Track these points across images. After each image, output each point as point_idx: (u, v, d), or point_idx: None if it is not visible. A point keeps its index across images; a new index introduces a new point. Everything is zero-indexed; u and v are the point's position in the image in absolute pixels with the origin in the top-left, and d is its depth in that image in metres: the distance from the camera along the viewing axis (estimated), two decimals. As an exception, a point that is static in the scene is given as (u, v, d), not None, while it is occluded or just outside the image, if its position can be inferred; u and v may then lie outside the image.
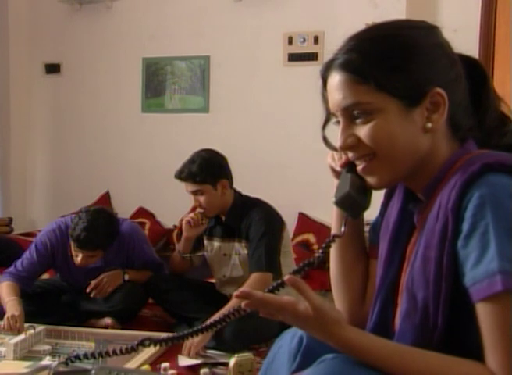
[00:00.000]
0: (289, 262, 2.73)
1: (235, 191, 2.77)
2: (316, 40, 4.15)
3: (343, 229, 1.14)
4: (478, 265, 0.90)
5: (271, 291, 1.05)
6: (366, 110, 1.00)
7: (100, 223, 2.71)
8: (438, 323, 0.96)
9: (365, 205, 1.12)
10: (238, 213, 2.69)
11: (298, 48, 4.22)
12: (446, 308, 0.95)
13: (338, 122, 1.06)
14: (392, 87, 0.99)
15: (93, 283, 2.79)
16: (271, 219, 2.67)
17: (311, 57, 4.17)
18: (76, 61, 4.83)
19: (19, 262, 2.81)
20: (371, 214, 1.25)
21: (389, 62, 1.00)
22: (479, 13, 3.70)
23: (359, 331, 0.99)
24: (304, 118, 4.19)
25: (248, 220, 2.64)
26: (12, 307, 2.58)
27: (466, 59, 1.08)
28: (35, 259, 2.82)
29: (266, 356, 1.20)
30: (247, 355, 2.12)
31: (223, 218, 2.72)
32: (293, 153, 4.25)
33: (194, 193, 2.66)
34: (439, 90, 1.00)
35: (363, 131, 1.02)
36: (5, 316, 2.55)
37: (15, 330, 2.48)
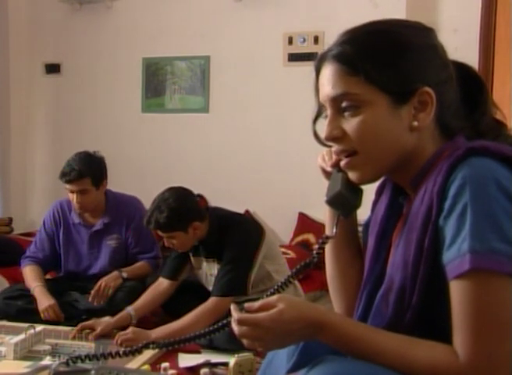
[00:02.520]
0: (278, 266, 2.73)
1: (211, 211, 2.71)
2: (316, 40, 4.15)
3: (334, 230, 1.15)
4: (453, 244, 0.92)
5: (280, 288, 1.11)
6: (354, 102, 1.01)
7: (82, 155, 2.96)
8: (412, 303, 0.98)
9: (357, 203, 1.13)
10: (216, 235, 2.66)
11: (298, 48, 4.22)
12: (422, 288, 0.97)
13: (327, 116, 1.07)
14: (382, 81, 1.00)
15: (93, 291, 2.81)
16: (244, 240, 2.63)
17: (311, 57, 4.16)
18: (76, 61, 4.83)
19: (32, 245, 3.04)
20: (364, 214, 1.26)
21: (381, 56, 1.01)
22: (479, 13, 3.70)
23: (333, 313, 1.04)
24: (304, 118, 4.19)
25: (225, 241, 2.62)
26: (44, 297, 2.76)
27: (462, 66, 1.10)
28: (44, 236, 3.05)
29: (265, 356, 1.21)
30: (247, 355, 2.12)
31: (204, 239, 2.69)
32: (293, 153, 4.25)
33: (164, 237, 2.64)
34: (428, 89, 1.01)
35: (350, 125, 1.03)
36: (42, 308, 2.71)
37: (56, 319, 2.69)
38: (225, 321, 1.10)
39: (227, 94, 4.44)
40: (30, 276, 2.80)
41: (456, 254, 0.91)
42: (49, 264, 3.00)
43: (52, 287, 2.97)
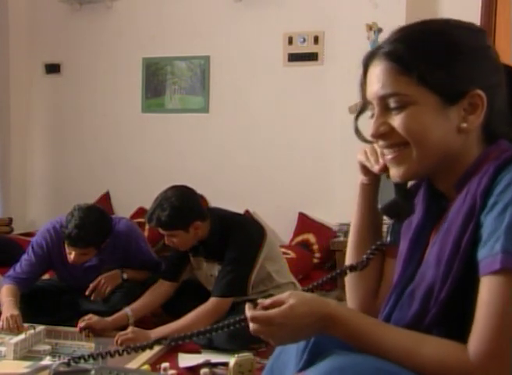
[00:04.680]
0: (278, 267, 2.73)
1: (212, 212, 2.71)
2: (316, 40, 4.15)
3: (389, 238, 1.17)
4: (487, 242, 0.92)
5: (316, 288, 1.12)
6: (403, 102, 1.01)
7: (91, 221, 2.71)
8: (439, 299, 0.98)
9: (411, 210, 1.12)
10: (217, 236, 2.65)
11: (298, 48, 4.22)
12: (452, 285, 0.97)
13: (372, 115, 1.07)
14: (434, 82, 0.99)
15: (91, 285, 2.79)
16: (245, 241, 2.63)
17: (311, 57, 4.17)
18: (76, 61, 4.83)
19: (17, 266, 2.82)
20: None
21: (434, 57, 1.00)
22: (479, 13, 3.70)
23: (343, 307, 1.03)
24: (304, 118, 4.20)
25: (227, 242, 2.62)
26: (9, 307, 2.59)
27: (507, 68, 1.08)
28: (33, 261, 2.83)
29: (268, 355, 1.21)
30: (247, 355, 2.12)
31: (205, 240, 2.69)
32: (293, 153, 4.25)
33: (166, 235, 2.63)
34: (479, 92, 1.00)
35: (397, 120, 1.02)
36: (3, 317, 2.55)
37: (14, 330, 2.49)
38: (242, 316, 1.10)
39: (227, 94, 4.44)
40: (5, 293, 2.68)
41: (489, 252, 0.91)
42: (31, 283, 2.85)
43: (52, 287, 2.97)
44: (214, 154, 4.49)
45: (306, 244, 4.02)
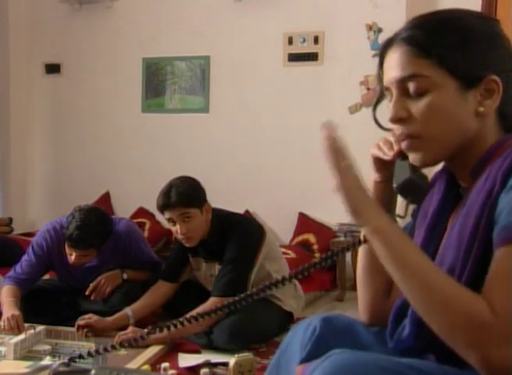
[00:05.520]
0: (278, 267, 2.74)
1: (212, 212, 2.70)
2: (316, 40, 4.15)
3: (404, 211, 1.17)
4: (506, 218, 0.92)
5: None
6: (423, 84, 1.02)
7: (92, 222, 2.71)
8: (461, 282, 0.97)
9: (426, 190, 1.14)
10: (217, 236, 2.66)
11: (298, 48, 4.22)
12: (473, 267, 0.96)
13: (391, 101, 1.07)
14: (453, 65, 1.01)
15: (91, 285, 2.80)
16: (245, 241, 2.63)
17: (311, 57, 4.17)
18: (76, 61, 4.83)
19: (18, 266, 2.83)
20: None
21: (451, 41, 1.02)
22: (479, 13, 3.71)
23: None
24: (303, 118, 4.20)
25: (226, 242, 2.62)
26: (10, 308, 2.59)
27: None
28: (33, 261, 2.83)
29: (268, 355, 1.21)
30: (247, 355, 2.12)
31: (205, 240, 2.69)
32: (293, 153, 4.25)
33: (181, 219, 2.59)
34: (495, 77, 1.02)
35: (416, 106, 1.03)
36: (4, 317, 2.56)
37: (15, 330, 2.50)
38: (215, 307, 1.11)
39: (227, 94, 4.44)
40: (6, 293, 2.68)
41: (504, 226, 0.91)
42: (31, 284, 2.85)
43: (51, 286, 2.97)
44: (214, 154, 4.49)
45: (306, 244, 4.02)
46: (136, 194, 4.55)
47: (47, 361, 2.25)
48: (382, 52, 1.09)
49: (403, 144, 1.08)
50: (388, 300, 1.21)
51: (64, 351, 2.41)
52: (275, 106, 4.30)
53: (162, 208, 2.62)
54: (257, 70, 4.35)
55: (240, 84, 4.41)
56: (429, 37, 1.03)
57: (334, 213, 3.93)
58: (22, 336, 2.38)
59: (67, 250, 2.74)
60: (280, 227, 4.19)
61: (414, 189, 1.12)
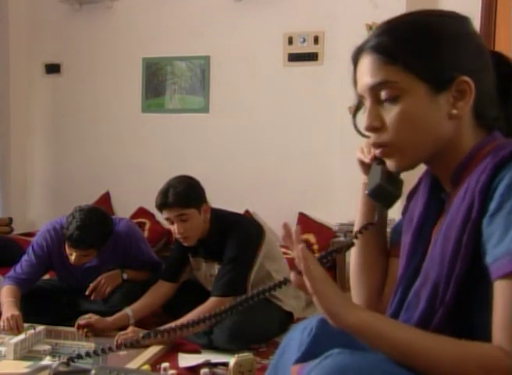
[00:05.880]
0: (278, 266, 2.73)
1: (211, 212, 2.70)
2: (316, 40, 4.15)
3: (376, 217, 1.17)
4: (500, 243, 0.90)
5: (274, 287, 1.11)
6: (393, 90, 1.02)
7: (93, 222, 2.71)
8: (445, 300, 0.97)
9: (397, 194, 1.14)
10: (216, 236, 2.66)
11: (298, 48, 4.22)
12: (456, 286, 0.96)
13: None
14: (420, 69, 1.01)
15: (91, 285, 2.80)
16: (244, 240, 2.63)
17: (311, 57, 4.17)
18: (76, 61, 4.83)
19: (18, 266, 2.83)
20: (393, 215, 1.28)
21: (417, 45, 1.02)
22: (479, 13, 3.70)
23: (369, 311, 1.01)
24: (304, 118, 4.20)
25: (225, 242, 2.62)
26: (10, 308, 2.60)
27: (494, 54, 1.10)
28: (33, 261, 2.84)
29: (268, 355, 1.20)
30: (247, 355, 2.12)
31: (204, 239, 2.69)
32: (293, 153, 4.25)
33: (178, 218, 2.59)
34: (466, 78, 1.01)
35: (389, 114, 1.04)
36: (4, 317, 2.56)
37: (15, 330, 2.50)
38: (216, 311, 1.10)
39: (227, 94, 4.44)
40: (6, 294, 2.69)
41: (504, 253, 0.89)
42: (31, 284, 2.85)
43: (51, 286, 2.97)
44: (214, 154, 4.49)
45: (306, 245, 4.01)
46: (136, 194, 4.55)
47: (47, 361, 2.25)
48: (355, 60, 1.10)
49: (377, 152, 1.08)
50: (382, 298, 1.21)
51: (64, 351, 2.41)
52: (275, 106, 4.30)
53: (160, 207, 2.62)
54: (257, 70, 4.35)
55: (240, 84, 4.41)
56: (395, 44, 1.03)
57: (334, 213, 3.94)
58: (22, 336, 2.38)
59: (67, 250, 2.74)
60: (280, 227, 4.14)
61: (384, 195, 1.13)
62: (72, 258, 2.73)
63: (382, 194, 1.13)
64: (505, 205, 0.92)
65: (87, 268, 2.86)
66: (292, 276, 1.03)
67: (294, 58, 4.24)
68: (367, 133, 1.10)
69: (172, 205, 2.58)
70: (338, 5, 4.02)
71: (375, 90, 1.04)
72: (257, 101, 4.36)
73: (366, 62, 1.06)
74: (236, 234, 2.63)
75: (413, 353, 0.93)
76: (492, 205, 0.93)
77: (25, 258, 2.85)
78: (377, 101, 1.05)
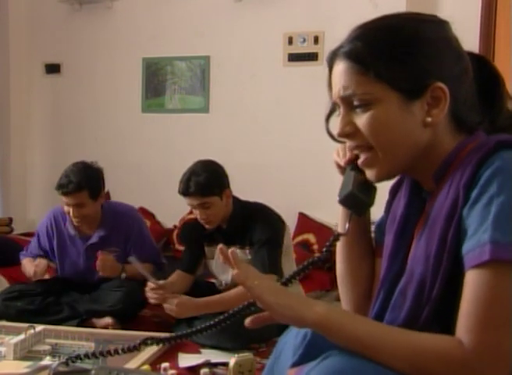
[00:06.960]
0: (290, 261, 2.73)
1: (233, 197, 2.74)
2: (316, 40, 4.15)
3: (347, 226, 1.15)
4: (474, 235, 0.90)
5: (284, 284, 1.11)
6: (365, 100, 1.01)
7: (79, 167, 2.91)
8: (432, 297, 0.97)
9: (369, 202, 1.13)
10: (239, 220, 2.67)
11: (298, 48, 4.22)
12: (443, 282, 0.96)
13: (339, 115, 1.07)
14: (392, 78, 0.99)
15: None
16: (273, 225, 2.65)
17: (311, 57, 4.17)
18: (76, 61, 4.83)
19: (29, 246, 3.11)
20: (377, 214, 1.26)
21: (390, 52, 1.00)
22: (479, 13, 3.70)
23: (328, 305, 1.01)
24: (303, 118, 4.20)
25: (250, 227, 2.62)
26: (32, 262, 2.94)
27: (477, 58, 1.08)
28: (37, 245, 3.07)
29: (268, 355, 1.20)
30: (247, 355, 2.12)
31: (223, 226, 2.70)
32: (293, 153, 4.25)
33: (201, 206, 2.60)
34: (440, 84, 0.99)
35: (361, 120, 1.02)
36: (31, 269, 2.87)
37: (45, 269, 2.89)
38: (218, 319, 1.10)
39: (227, 94, 4.44)
40: (27, 261, 2.98)
41: (476, 244, 0.89)
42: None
43: (51, 286, 2.98)
44: (214, 154, 4.44)
45: (306, 244, 4.02)
46: (136, 194, 4.54)
47: (47, 361, 2.25)
48: (329, 64, 1.09)
49: (360, 160, 1.07)
50: (370, 304, 1.19)
51: (64, 351, 2.41)
52: (275, 106, 4.30)
53: (182, 194, 2.63)
54: (257, 70, 4.35)
55: (240, 84, 4.41)
56: (368, 51, 1.01)
57: (334, 213, 3.91)
58: (22, 336, 2.38)
59: (64, 207, 2.88)
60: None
61: (356, 203, 1.11)
62: (70, 213, 2.84)
63: (353, 202, 1.11)
64: (482, 196, 0.91)
65: (89, 246, 2.94)
66: (247, 322, 1.07)
67: (294, 58, 4.24)
68: (341, 139, 1.09)
69: (193, 194, 2.58)
70: (338, 5, 4.02)
71: (347, 99, 1.04)
72: (257, 101, 4.36)
73: (339, 69, 1.05)
74: (264, 218, 2.64)
75: (372, 344, 0.93)
76: (472, 195, 0.93)
77: (33, 241, 3.11)
78: (350, 108, 1.04)
